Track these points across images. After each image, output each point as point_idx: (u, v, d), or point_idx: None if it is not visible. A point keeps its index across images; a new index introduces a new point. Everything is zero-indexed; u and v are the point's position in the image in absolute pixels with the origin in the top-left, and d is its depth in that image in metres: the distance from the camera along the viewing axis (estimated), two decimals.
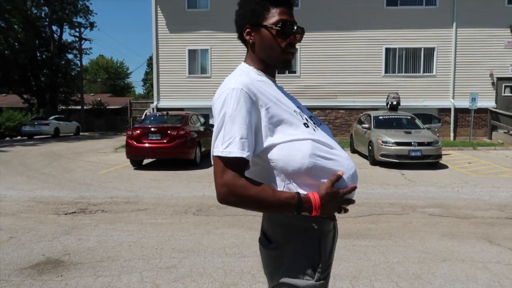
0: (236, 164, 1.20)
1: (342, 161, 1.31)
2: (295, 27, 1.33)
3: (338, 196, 1.27)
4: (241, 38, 1.41)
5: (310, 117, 1.39)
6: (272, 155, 1.25)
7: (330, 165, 1.27)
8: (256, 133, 1.24)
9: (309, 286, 1.28)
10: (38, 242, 4.21)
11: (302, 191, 1.25)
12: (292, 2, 1.38)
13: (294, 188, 1.26)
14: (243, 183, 1.20)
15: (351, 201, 1.34)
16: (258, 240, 1.44)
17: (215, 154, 1.22)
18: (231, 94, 1.23)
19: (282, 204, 1.22)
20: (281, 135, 1.25)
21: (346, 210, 1.34)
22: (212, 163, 1.26)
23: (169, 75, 17.61)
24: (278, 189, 1.26)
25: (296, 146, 1.24)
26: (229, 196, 1.20)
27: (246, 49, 1.43)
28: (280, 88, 1.39)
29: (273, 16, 1.32)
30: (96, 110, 31.97)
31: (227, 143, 1.19)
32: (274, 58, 1.35)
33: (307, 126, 1.29)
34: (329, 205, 1.25)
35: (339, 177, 1.26)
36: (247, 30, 1.36)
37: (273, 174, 1.27)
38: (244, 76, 1.29)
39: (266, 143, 1.25)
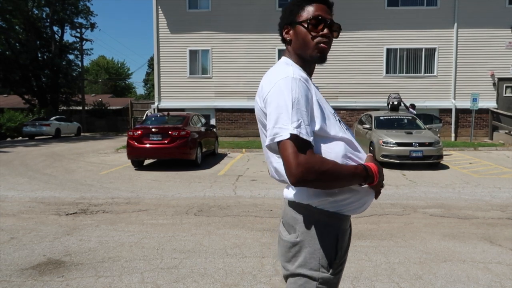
0: (306, 144, 1.23)
1: None
2: (328, 22, 1.39)
3: (381, 168, 1.37)
4: (282, 38, 1.49)
5: (340, 120, 1.46)
6: None
7: None
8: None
9: (324, 279, 1.34)
10: (39, 242, 4.22)
11: None
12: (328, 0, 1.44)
13: None
14: (318, 159, 1.23)
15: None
16: (279, 228, 1.50)
17: (290, 132, 1.20)
18: (291, 82, 1.27)
19: (353, 176, 1.28)
20: (321, 130, 1.30)
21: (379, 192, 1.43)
22: (271, 147, 1.30)
23: (170, 76, 17.61)
24: None
25: (331, 145, 1.31)
26: (308, 175, 1.20)
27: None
28: (317, 88, 1.45)
29: (308, 13, 1.39)
30: (97, 111, 32.01)
31: (296, 123, 1.22)
32: (309, 52, 1.41)
33: (340, 127, 1.37)
34: (379, 174, 1.34)
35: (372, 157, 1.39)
36: (286, 29, 1.45)
37: None
38: (295, 67, 1.36)
39: None
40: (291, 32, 1.44)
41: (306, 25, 1.38)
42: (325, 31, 1.38)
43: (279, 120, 1.23)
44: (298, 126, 1.21)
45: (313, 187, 1.28)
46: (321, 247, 1.34)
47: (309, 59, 1.42)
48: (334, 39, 1.44)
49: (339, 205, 1.34)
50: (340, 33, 1.46)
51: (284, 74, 1.30)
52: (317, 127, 1.28)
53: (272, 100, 1.28)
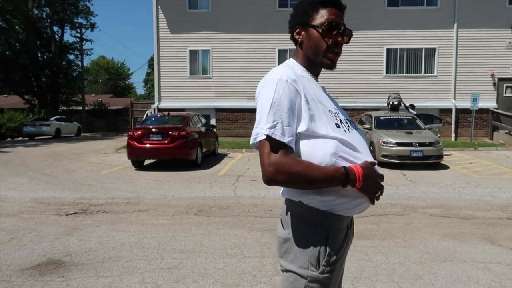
0: (280, 145, 1.26)
1: None
2: (342, 28, 1.40)
3: (375, 174, 1.33)
4: (292, 37, 1.49)
5: (346, 120, 1.44)
6: (297, 146, 1.31)
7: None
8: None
9: (313, 277, 1.33)
10: (40, 242, 4.22)
11: None
12: (341, 4, 1.45)
13: None
14: (289, 160, 1.26)
15: (382, 187, 1.38)
16: (277, 224, 1.52)
17: (263, 133, 1.26)
18: (276, 84, 1.30)
19: (329, 178, 1.26)
20: (309, 130, 1.30)
21: (379, 196, 1.39)
22: (255, 146, 1.32)
23: (170, 76, 17.62)
24: None
25: (320, 143, 1.30)
26: (277, 175, 1.25)
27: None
28: (322, 88, 1.46)
29: (322, 17, 1.40)
30: (97, 111, 32.01)
31: (271, 124, 1.26)
32: (319, 56, 1.41)
33: (339, 127, 1.35)
34: (369, 179, 1.30)
35: (373, 164, 1.34)
36: (297, 29, 1.45)
37: None
38: (289, 69, 1.37)
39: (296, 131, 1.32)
40: (303, 33, 1.43)
41: (320, 30, 1.38)
42: (338, 37, 1.39)
43: (261, 121, 1.29)
44: (273, 127, 1.25)
45: (286, 187, 1.33)
46: (311, 245, 1.33)
47: (318, 63, 1.43)
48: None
49: (330, 205, 1.33)
50: None
51: (273, 76, 1.34)
52: (303, 128, 1.29)
53: (259, 101, 1.34)
